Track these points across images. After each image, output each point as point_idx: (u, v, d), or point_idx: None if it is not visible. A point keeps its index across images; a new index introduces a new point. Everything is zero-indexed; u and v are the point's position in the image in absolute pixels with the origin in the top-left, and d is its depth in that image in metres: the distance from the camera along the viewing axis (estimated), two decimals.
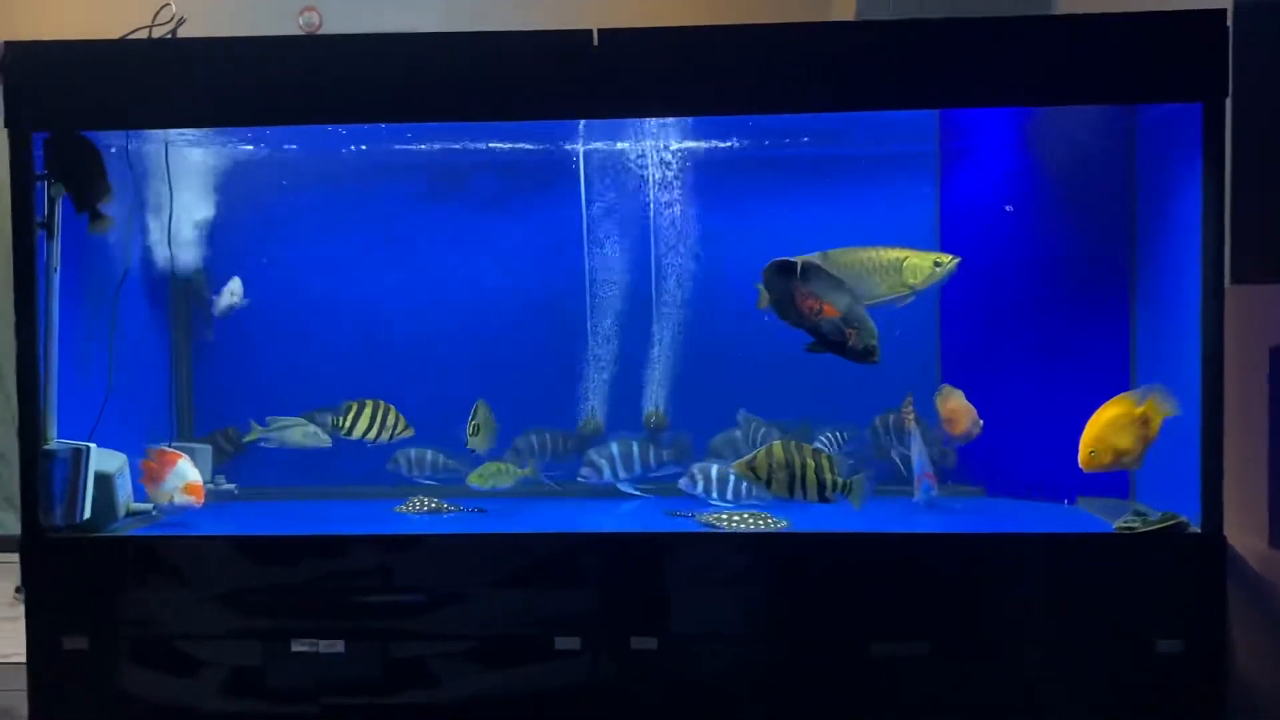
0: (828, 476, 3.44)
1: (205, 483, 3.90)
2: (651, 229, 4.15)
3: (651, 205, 4.13)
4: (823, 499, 3.45)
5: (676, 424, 4.17)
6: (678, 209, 4.10)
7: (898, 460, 4.00)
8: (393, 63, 3.43)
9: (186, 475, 3.76)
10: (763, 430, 4.00)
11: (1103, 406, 3.40)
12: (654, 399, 4.19)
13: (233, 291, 4.16)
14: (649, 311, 4.17)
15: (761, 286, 3.60)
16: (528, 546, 3.49)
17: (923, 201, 4.25)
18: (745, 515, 3.64)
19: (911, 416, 3.93)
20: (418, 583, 3.45)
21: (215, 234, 4.20)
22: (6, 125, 3.46)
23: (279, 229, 4.32)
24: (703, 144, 4.03)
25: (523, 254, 4.31)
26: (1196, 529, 3.34)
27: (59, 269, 3.54)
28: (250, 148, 4.13)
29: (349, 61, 3.45)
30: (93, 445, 3.56)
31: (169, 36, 3.65)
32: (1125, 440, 3.35)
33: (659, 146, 4.05)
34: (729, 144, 4.05)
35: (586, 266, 4.18)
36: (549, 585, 3.44)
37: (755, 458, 3.49)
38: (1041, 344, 3.98)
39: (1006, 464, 4.07)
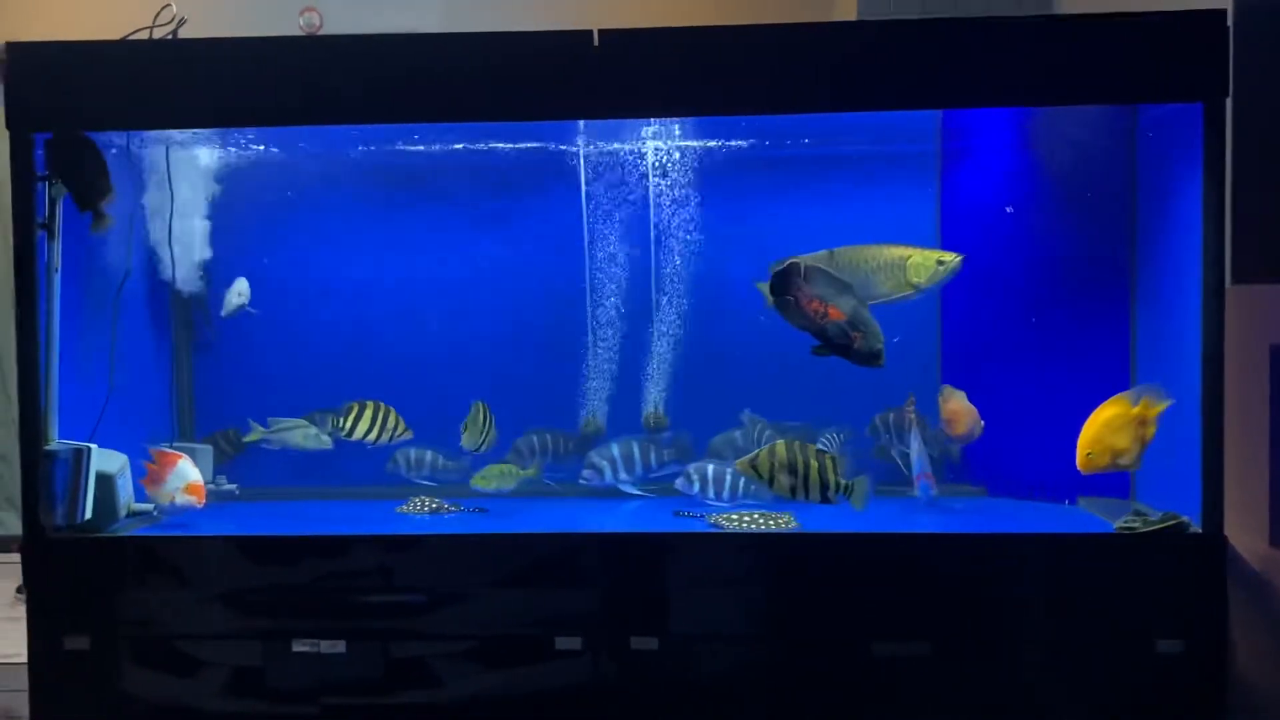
0: (831, 477, 3.44)
1: (206, 483, 3.90)
2: (652, 229, 4.15)
3: (652, 205, 4.14)
4: (825, 499, 3.45)
5: (677, 424, 4.17)
6: (678, 209, 4.11)
7: (898, 459, 4.00)
8: (393, 63, 3.44)
9: (187, 475, 3.76)
10: (767, 432, 4.00)
11: (1098, 409, 3.40)
12: (653, 399, 4.20)
13: (240, 292, 4.16)
14: (649, 311, 4.17)
15: (763, 286, 3.60)
16: (528, 546, 3.49)
17: (923, 202, 4.25)
18: (756, 515, 3.64)
19: (912, 416, 3.94)
20: (418, 583, 3.45)
21: (216, 235, 4.20)
22: (8, 126, 3.46)
23: (279, 230, 4.32)
24: (703, 144, 4.03)
25: (524, 254, 4.30)
26: (1197, 529, 3.34)
27: (60, 269, 3.54)
28: (250, 148, 4.14)
29: (349, 62, 3.45)
30: (94, 446, 3.57)
31: (170, 37, 3.66)
32: (1123, 441, 3.35)
33: (659, 147, 4.05)
34: (729, 144, 4.05)
35: (587, 267, 4.18)
36: (550, 585, 3.44)
37: (757, 456, 3.49)
38: (1042, 344, 3.98)
39: (1007, 464, 4.07)
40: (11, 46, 3.46)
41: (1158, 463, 3.50)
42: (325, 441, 4.09)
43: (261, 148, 4.13)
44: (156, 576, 3.48)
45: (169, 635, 3.46)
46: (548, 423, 4.20)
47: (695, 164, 4.06)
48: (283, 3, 5.97)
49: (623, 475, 4.02)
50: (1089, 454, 3.37)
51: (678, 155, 4.05)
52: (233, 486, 4.19)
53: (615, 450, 4.02)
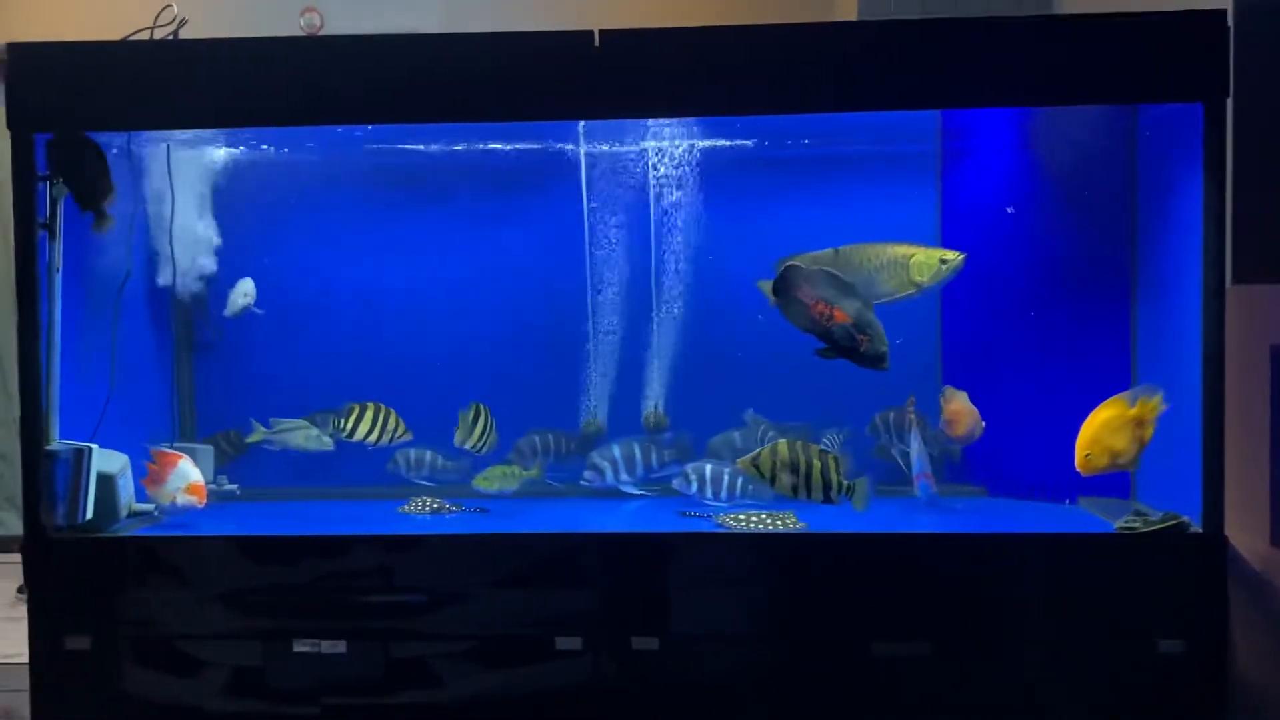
0: (833, 477, 3.43)
1: (207, 483, 3.90)
2: (652, 229, 4.15)
3: (652, 205, 4.14)
4: (827, 500, 3.45)
5: (677, 424, 4.17)
6: (678, 209, 4.11)
7: (898, 457, 4.00)
8: (393, 64, 3.44)
9: (188, 475, 3.76)
10: (770, 432, 3.99)
11: (1096, 410, 3.40)
12: (653, 399, 4.20)
13: (245, 292, 4.15)
14: (649, 311, 4.17)
15: (765, 285, 3.60)
16: (529, 546, 3.49)
17: (923, 202, 4.25)
18: (763, 515, 3.64)
19: (912, 416, 3.94)
20: (419, 583, 3.45)
21: (216, 235, 4.20)
22: (8, 126, 3.47)
23: (279, 230, 4.32)
24: (703, 144, 4.03)
25: (524, 255, 4.30)
26: (1197, 529, 3.34)
27: (61, 269, 3.54)
28: (251, 149, 4.14)
29: (350, 62, 3.45)
30: (95, 446, 3.57)
31: (170, 37, 3.66)
32: (1121, 442, 3.35)
33: (660, 147, 4.05)
34: (729, 144, 4.05)
35: (588, 267, 4.19)
36: (550, 585, 3.45)
37: (759, 455, 3.49)
38: (1042, 344, 3.98)
39: (1008, 464, 4.07)
40: (12, 47, 3.47)
41: (1158, 463, 3.50)
42: (327, 443, 4.10)
43: (262, 148, 4.13)
44: (157, 576, 3.48)
45: (170, 635, 3.47)
46: (548, 423, 4.19)
47: (696, 164, 4.06)
48: (283, 3, 5.97)
49: (624, 476, 4.02)
50: (1087, 455, 3.37)
51: (678, 155, 4.05)
52: (234, 487, 4.19)
53: (616, 451, 4.02)
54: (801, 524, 3.57)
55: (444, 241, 4.34)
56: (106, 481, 3.62)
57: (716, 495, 3.81)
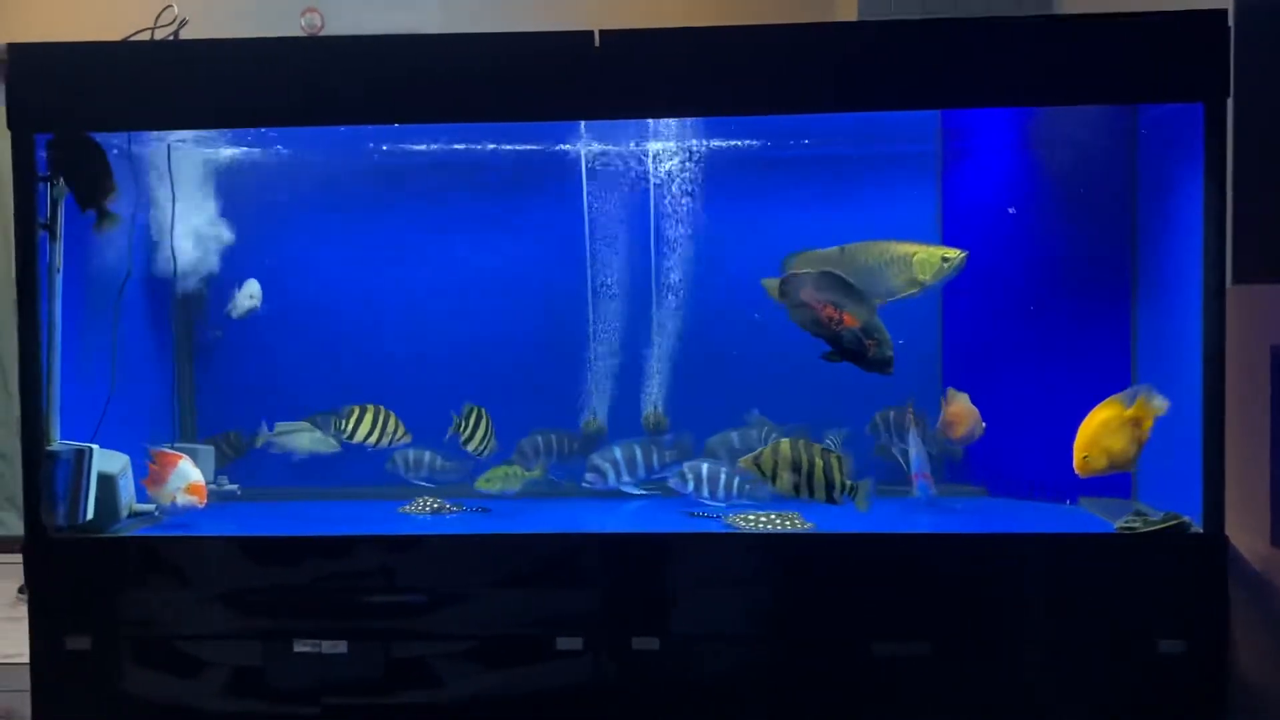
0: (836, 477, 3.43)
1: (208, 483, 3.90)
2: (652, 230, 4.15)
3: (653, 206, 4.14)
4: (830, 500, 3.44)
5: (677, 424, 4.17)
6: (678, 210, 4.11)
7: (898, 456, 4.00)
8: (394, 64, 3.44)
9: (189, 476, 3.76)
10: (774, 434, 3.99)
11: (1093, 411, 3.40)
12: (653, 399, 4.20)
13: (251, 294, 4.15)
14: (649, 311, 4.17)
15: (768, 283, 3.60)
16: (529, 547, 3.49)
17: (924, 203, 4.25)
18: (772, 515, 3.63)
19: (912, 415, 3.94)
20: (420, 583, 3.45)
21: (217, 236, 4.20)
22: (9, 127, 3.47)
23: (279, 231, 4.32)
24: (703, 144, 4.03)
25: (524, 256, 4.30)
26: (1198, 529, 3.34)
27: (61, 270, 3.54)
28: (252, 149, 4.14)
29: (350, 63, 3.45)
30: (95, 446, 3.57)
31: (171, 38, 3.66)
32: (1118, 443, 3.35)
33: (660, 147, 4.05)
34: (730, 144, 4.05)
35: (588, 267, 4.18)
36: (551, 585, 3.45)
37: (761, 454, 3.49)
38: (1043, 344, 3.99)
39: (1008, 464, 4.07)
40: (13, 47, 3.47)
41: (1158, 463, 3.51)
42: (333, 445, 4.10)
43: (261, 148, 4.13)
44: (158, 577, 3.48)
45: (170, 635, 3.47)
46: (548, 423, 4.19)
47: (696, 164, 4.06)
48: (284, 3, 5.97)
49: (625, 478, 4.02)
50: (1085, 457, 3.37)
51: (678, 155, 4.05)
52: (234, 487, 4.19)
53: (618, 453, 4.02)
54: (809, 524, 3.57)
55: (444, 242, 4.33)
56: (107, 482, 3.62)
57: (713, 494, 3.81)
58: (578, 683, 3.42)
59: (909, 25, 3.47)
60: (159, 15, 3.67)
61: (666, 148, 4.04)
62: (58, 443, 3.52)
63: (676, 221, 4.12)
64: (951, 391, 3.89)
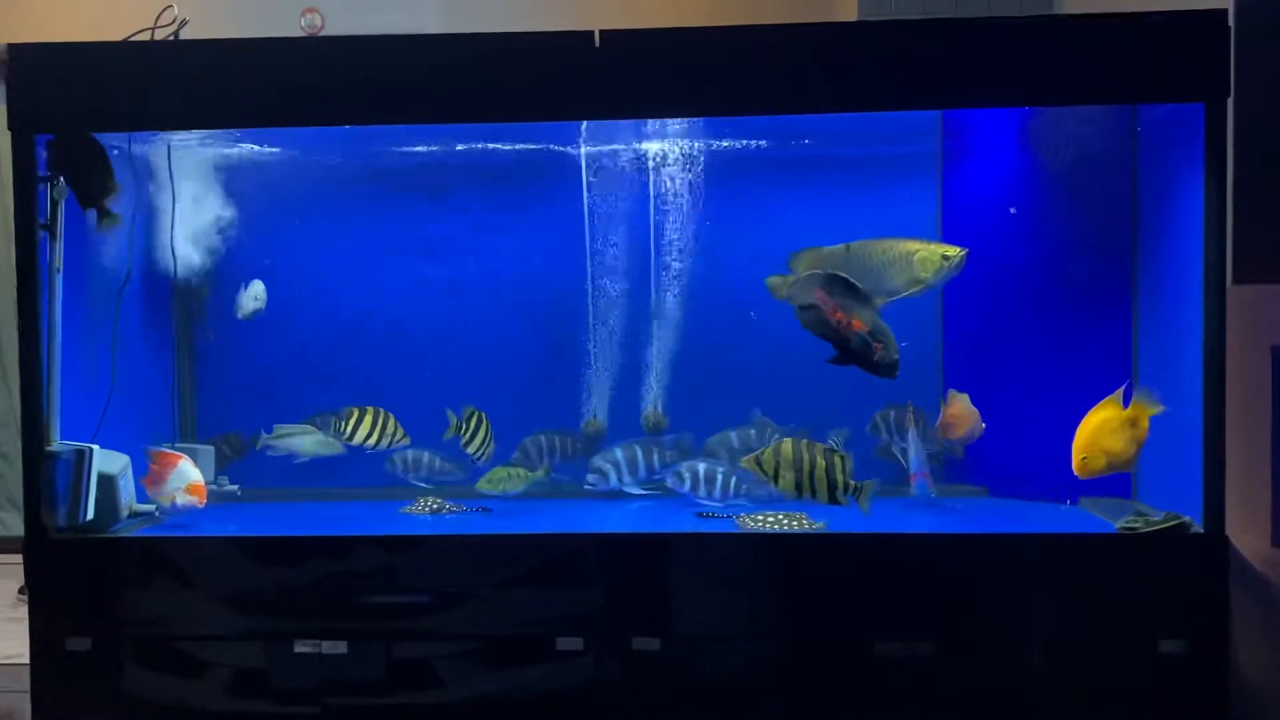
0: (839, 477, 3.42)
1: (208, 483, 3.90)
2: (652, 230, 4.15)
3: (653, 206, 4.14)
4: (833, 500, 3.43)
5: (677, 424, 4.16)
6: (679, 210, 4.11)
7: (899, 455, 4.00)
8: (394, 64, 3.44)
9: (189, 476, 3.76)
10: (776, 434, 3.99)
11: (1090, 412, 3.40)
12: (652, 400, 4.20)
13: (255, 296, 4.15)
14: (649, 312, 4.17)
15: (772, 281, 3.60)
16: (530, 547, 3.49)
17: (924, 203, 4.25)
18: (780, 515, 3.62)
19: (912, 416, 3.94)
20: (420, 583, 3.45)
21: (217, 236, 4.20)
22: (10, 127, 3.47)
23: (279, 232, 4.32)
24: (703, 144, 4.03)
25: (525, 256, 4.30)
26: (1199, 529, 3.34)
27: (62, 270, 3.54)
28: (253, 150, 4.14)
29: (351, 63, 3.45)
30: (95, 446, 3.57)
31: (171, 38, 3.66)
32: (1116, 443, 3.35)
33: (660, 147, 4.05)
34: (729, 144, 4.05)
35: (589, 267, 4.19)
36: (551, 586, 3.45)
37: (763, 454, 3.48)
38: (1043, 344, 3.99)
39: (1009, 464, 4.07)
40: (13, 47, 3.47)
41: (1159, 463, 3.50)
42: (336, 446, 4.10)
43: (261, 149, 4.13)
44: (158, 577, 3.48)
45: (171, 636, 3.47)
46: (549, 423, 4.19)
47: (696, 164, 4.06)
48: (284, 4, 5.98)
49: (627, 478, 4.02)
50: (1084, 459, 3.37)
51: (679, 156, 4.05)
52: (235, 487, 4.19)
53: (619, 454, 4.02)
54: (819, 524, 3.56)
55: (443, 243, 4.33)
56: (107, 482, 3.61)
57: (710, 494, 3.81)
58: (578, 683, 3.41)
59: (909, 25, 3.48)
60: (159, 15, 3.67)
61: (667, 148, 4.04)
62: (58, 443, 3.52)
63: (677, 221, 4.12)
64: (952, 392, 3.89)
